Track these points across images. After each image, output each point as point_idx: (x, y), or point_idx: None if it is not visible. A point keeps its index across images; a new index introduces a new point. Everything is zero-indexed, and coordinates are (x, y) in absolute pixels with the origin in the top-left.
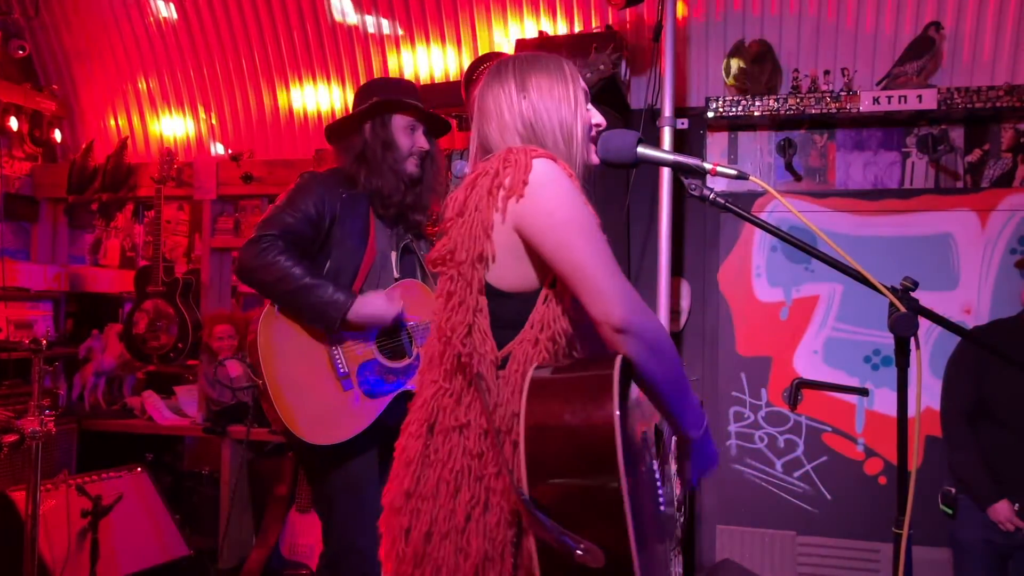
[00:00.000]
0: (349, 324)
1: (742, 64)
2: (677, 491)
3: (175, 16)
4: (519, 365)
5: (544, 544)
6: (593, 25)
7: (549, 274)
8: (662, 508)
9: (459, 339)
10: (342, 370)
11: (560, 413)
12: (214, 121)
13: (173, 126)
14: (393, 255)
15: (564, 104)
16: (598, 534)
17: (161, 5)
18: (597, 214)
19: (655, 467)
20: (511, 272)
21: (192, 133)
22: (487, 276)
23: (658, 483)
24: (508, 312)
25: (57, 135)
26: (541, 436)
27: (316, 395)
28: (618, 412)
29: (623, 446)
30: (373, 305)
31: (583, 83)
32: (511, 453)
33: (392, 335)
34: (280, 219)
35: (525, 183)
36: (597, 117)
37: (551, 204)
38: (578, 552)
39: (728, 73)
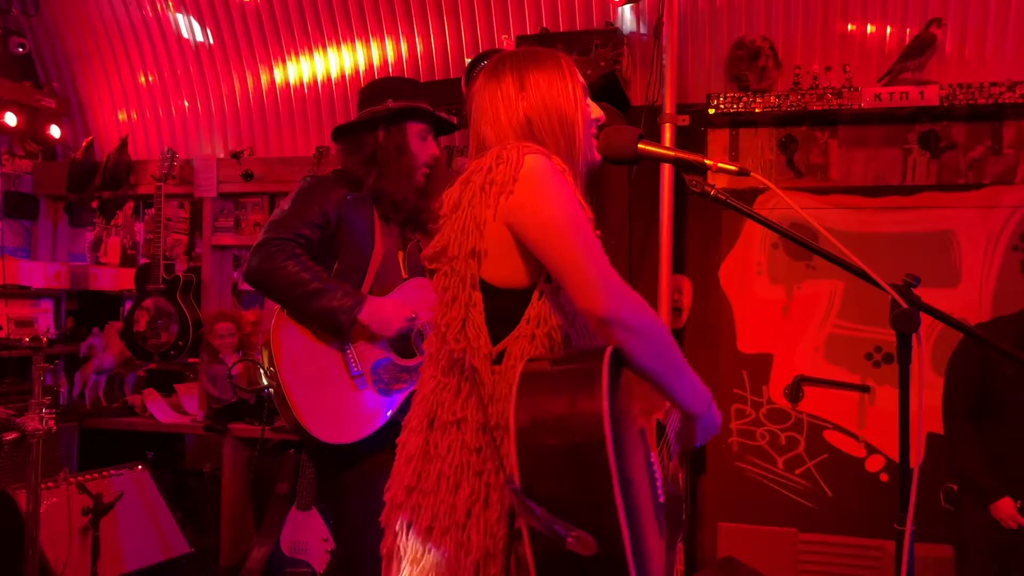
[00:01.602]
0: (360, 329)
1: (743, 60)
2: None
3: (178, 21)
4: (515, 360)
5: (536, 534)
6: (594, 21)
7: (543, 270)
8: (660, 499)
9: (453, 335)
10: (355, 369)
11: (549, 405)
12: (214, 118)
13: (173, 123)
14: (400, 254)
15: (564, 101)
16: (589, 523)
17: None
18: (597, 210)
19: (652, 459)
20: (505, 268)
21: (192, 130)
22: (482, 272)
23: (656, 475)
24: (503, 307)
25: (55, 132)
26: (530, 427)
27: (330, 394)
28: (607, 403)
29: (613, 437)
30: (385, 309)
31: (581, 77)
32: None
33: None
34: (287, 223)
35: (515, 179)
36: (596, 112)
37: (539, 200)
38: (569, 539)
39: (729, 69)
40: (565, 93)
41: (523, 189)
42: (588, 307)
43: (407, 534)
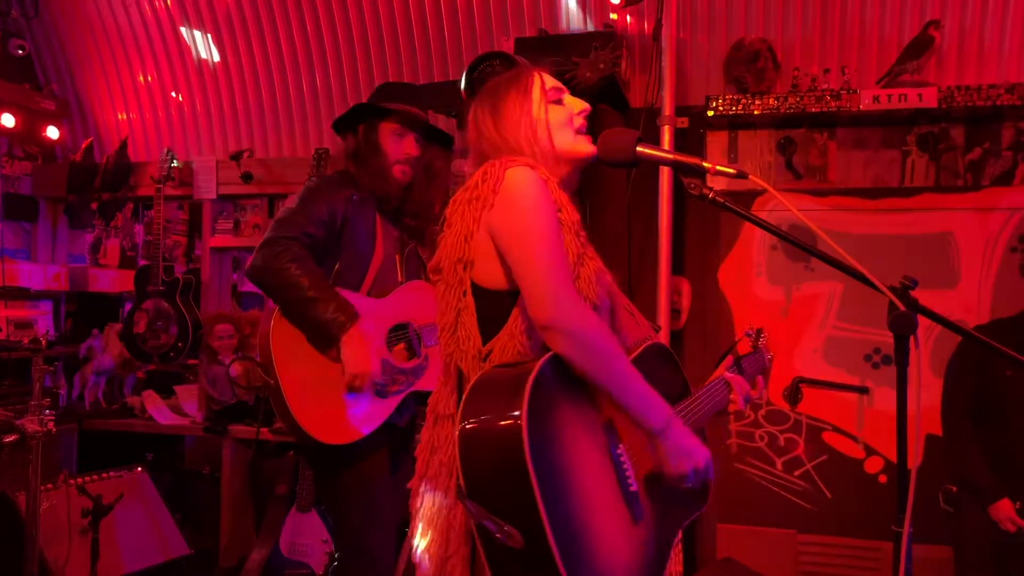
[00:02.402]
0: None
1: (742, 62)
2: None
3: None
4: (496, 359)
5: (479, 528)
6: (593, 23)
7: None
8: (632, 488)
9: (445, 339)
10: None
11: (482, 412)
12: (214, 120)
13: (173, 125)
14: (398, 258)
15: (525, 111)
16: (517, 521)
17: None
18: (596, 212)
19: (618, 451)
20: (492, 273)
21: (192, 132)
22: (474, 278)
23: (624, 465)
24: (495, 309)
25: (53, 134)
26: (469, 433)
27: (327, 395)
28: (526, 409)
29: (534, 441)
30: (360, 352)
31: (546, 81)
32: None
33: (401, 336)
34: (295, 221)
35: (495, 193)
36: (579, 105)
37: (512, 212)
38: (498, 535)
39: (728, 71)
40: (527, 105)
41: (501, 202)
42: (533, 312)
43: (419, 516)
